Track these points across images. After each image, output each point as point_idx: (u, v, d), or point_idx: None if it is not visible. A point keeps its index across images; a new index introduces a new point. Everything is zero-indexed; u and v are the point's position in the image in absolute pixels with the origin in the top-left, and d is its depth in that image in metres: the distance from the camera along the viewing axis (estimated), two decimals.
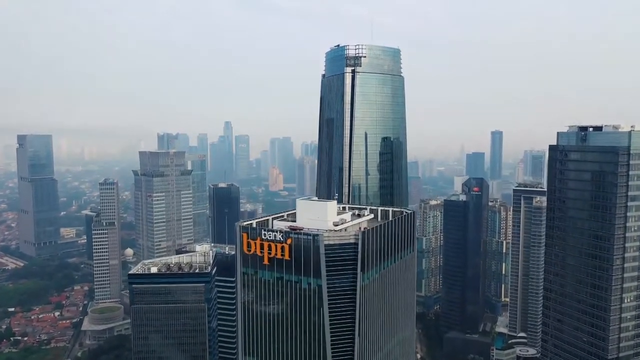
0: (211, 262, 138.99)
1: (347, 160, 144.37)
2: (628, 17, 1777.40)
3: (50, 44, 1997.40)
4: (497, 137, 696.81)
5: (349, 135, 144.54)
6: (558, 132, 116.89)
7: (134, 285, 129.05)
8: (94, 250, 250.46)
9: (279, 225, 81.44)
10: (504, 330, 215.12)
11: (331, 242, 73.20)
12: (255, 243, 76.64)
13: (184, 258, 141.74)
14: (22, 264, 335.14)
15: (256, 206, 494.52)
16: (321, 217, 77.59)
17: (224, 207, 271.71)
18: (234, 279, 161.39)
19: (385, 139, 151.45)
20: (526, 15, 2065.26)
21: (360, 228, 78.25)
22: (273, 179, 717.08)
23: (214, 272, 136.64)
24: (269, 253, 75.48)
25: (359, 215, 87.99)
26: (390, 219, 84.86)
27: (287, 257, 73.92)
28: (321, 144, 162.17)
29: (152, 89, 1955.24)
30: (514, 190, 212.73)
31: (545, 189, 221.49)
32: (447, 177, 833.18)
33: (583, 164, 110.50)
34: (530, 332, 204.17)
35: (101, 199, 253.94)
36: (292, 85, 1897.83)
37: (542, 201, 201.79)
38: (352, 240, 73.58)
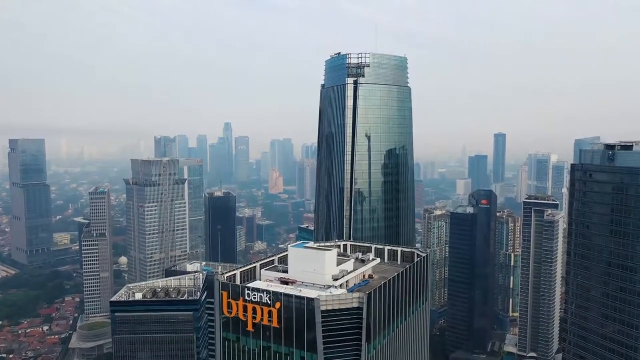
0: (201, 285, 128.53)
1: (349, 179, 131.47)
2: (631, 17, 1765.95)
3: (49, 43, 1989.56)
4: (500, 140, 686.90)
5: (350, 153, 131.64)
6: (581, 150, 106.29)
7: (116, 314, 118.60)
8: (83, 263, 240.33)
9: (268, 275, 69.17)
10: (513, 350, 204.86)
11: (329, 308, 59.23)
12: (237, 304, 62.75)
13: (172, 282, 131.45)
14: (13, 272, 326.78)
15: (255, 211, 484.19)
16: (318, 270, 65.04)
17: (219, 217, 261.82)
18: None
19: (390, 157, 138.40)
20: (529, 16, 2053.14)
21: (364, 276, 66.96)
22: (273, 182, 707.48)
23: (203, 297, 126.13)
24: (254, 318, 61.88)
25: (362, 261, 75.73)
26: (399, 262, 73.36)
27: (275, 323, 60.36)
28: (320, 161, 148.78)
29: (152, 88, 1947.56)
30: (524, 202, 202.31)
31: (557, 202, 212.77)
32: (448, 179, 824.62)
33: (610, 186, 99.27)
34: (540, 352, 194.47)
35: (91, 209, 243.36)
36: (293, 86, 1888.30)
37: (553, 214, 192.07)
38: (355, 305, 59.61)
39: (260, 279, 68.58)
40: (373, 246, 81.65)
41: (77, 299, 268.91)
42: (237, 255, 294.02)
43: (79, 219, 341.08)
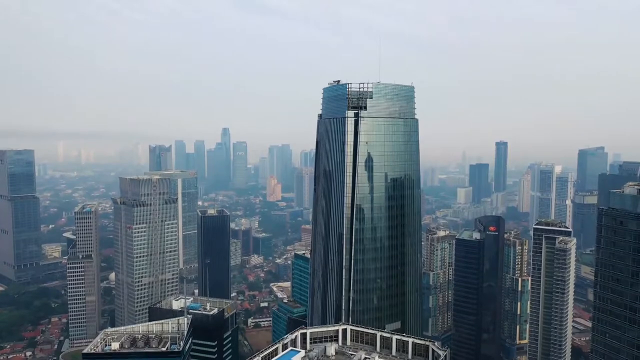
0: (185, 332, 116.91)
1: (349, 226, 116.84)
2: (632, 20, 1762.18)
3: (48, 46, 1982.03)
4: (501, 148, 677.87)
5: (350, 195, 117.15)
6: (610, 192, 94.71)
7: None
8: (68, 286, 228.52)
9: None
10: None
11: None
12: None
13: (154, 327, 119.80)
14: (0, 289, 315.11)
15: (252, 222, 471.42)
16: None
17: (213, 238, 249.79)
18: (214, 344, 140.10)
19: (395, 199, 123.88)
20: (530, 18, 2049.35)
21: None
22: (271, 189, 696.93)
23: (187, 346, 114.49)
24: None
25: None
26: (410, 356, 61.48)
27: None
28: (317, 201, 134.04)
29: (151, 91, 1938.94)
30: (534, 228, 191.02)
31: (570, 229, 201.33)
32: (449, 187, 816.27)
33: None
34: None
35: (77, 229, 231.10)
36: (292, 90, 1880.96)
37: (565, 241, 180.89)
38: None
39: None
40: (378, 334, 68.93)
41: (64, 320, 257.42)
42: (230, 277, 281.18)
43: (68, 234, 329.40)
